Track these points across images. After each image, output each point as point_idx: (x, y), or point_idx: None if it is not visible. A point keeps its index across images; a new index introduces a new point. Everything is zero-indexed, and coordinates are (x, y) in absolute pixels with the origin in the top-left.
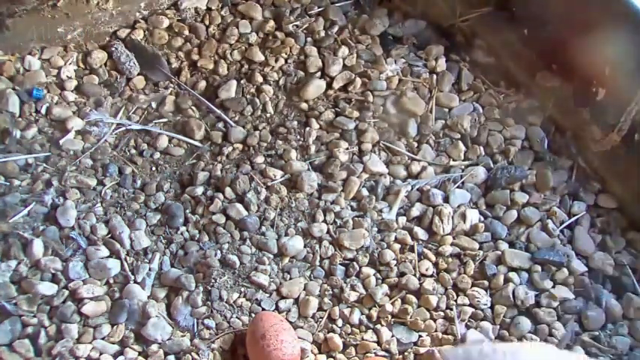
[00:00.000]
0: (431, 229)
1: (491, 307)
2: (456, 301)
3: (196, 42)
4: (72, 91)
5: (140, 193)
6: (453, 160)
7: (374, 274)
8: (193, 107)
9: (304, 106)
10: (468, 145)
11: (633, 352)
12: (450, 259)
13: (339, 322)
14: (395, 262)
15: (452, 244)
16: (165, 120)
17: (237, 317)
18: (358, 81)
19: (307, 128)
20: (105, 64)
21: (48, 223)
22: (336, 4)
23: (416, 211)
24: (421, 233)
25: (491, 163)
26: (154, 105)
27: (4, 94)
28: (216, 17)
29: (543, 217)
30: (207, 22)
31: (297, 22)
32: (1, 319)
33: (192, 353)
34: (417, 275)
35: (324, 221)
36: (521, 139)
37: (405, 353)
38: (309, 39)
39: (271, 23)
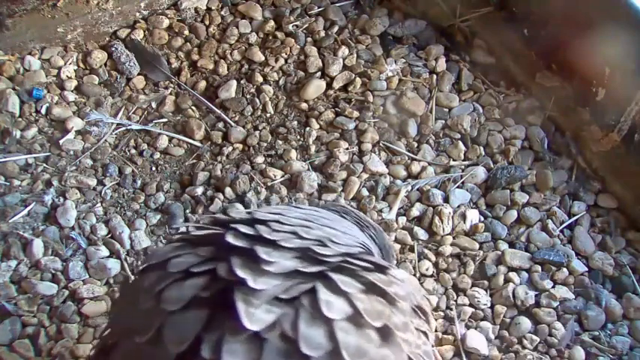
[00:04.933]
0: (431, 229)
1: (491, 307)
2: (456, 301)
3: (196, 42)
4: (72, 91)
5: (140, 193)
6: (453, 160)
7: None
8: (193, 107)
9: (304, 106)
10: (468, 145)
11: (633, 352)
12: (450, 259)
13: None
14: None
15: (452, 244)
16: (165, 120)
17: None
18: (358, 81)
19: (307, 128)
20: (105, 64)
21: (48, 223)
22: (336, 4)
23: (416, 211)
24: (421, 233)
25: (491, 163)
26: (154, 105)
27: (4, 94)
28: (216, 17)
29: (543, 217)
30: (207, 22)
31: (297, 22)
32: (1, 319)
33: None
34: (417, 275)
35: None
36: (521, 139)
37: None
38: (309, 39)
39: (271, 23)
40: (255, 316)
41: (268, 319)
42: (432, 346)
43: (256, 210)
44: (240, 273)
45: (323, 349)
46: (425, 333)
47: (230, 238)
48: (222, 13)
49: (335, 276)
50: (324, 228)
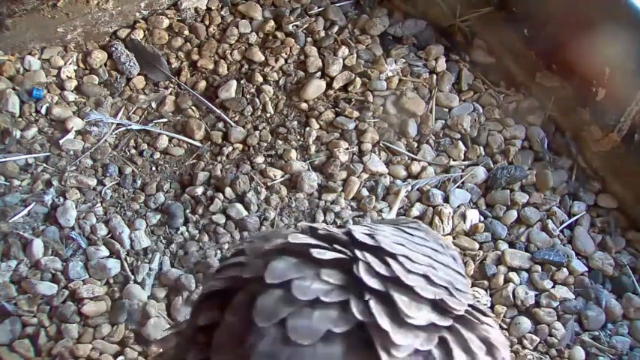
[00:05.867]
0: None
1: (492, 307)
2: None
3: (196, 42)
4: (72, 91)
5: (140, 193)
6: (453, 160)
7: None
8: (193, 107)
9: (304, 106)
10: (468, 145)
11: (633, 352)
12: None
13: None
14: None
15: (452, 244)
16: (165, 120)
17: None
18: (358, 81)
19: (307, 128)
20: (105, 64)
21: (48, 223)
22: (336, 4)
23: (416, 211)
24: None
25: (491, 163)
26: (154, 105)
27: (4, 94)
28: (216, 17)
29: (543, 217)
30: (207, 22)
31: (297, 22)
32: (1, 319)
33: None
34: None
35: (324, 221)
36: (521, 139)
37: None
38: (309, 39)
39: (271, 23)
40: None
41: None
42: None
43: (375, 230)
44: (382, 323)
45: None
46: None
47: (363, 275)
48: (222, 13)
49: (462, 329)
50: (446, 270)
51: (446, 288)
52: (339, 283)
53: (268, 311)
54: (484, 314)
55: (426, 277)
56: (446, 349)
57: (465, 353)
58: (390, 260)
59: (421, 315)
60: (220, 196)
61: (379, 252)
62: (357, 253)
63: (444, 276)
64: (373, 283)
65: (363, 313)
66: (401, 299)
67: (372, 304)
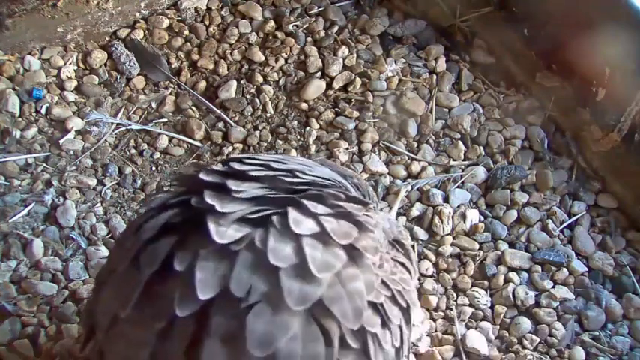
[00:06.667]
0: (431, 229)
1: (492, 307)
2: (456, 301)
3: (196, 42)
4: (72, 91)
5: (140, 193)
6: (453, 160)
7: None
8: (193, 107)
9: (304, 106)
10: (468, 145)
11: (633, 352)
12: (450, 259)
13: None
14: None
15: (452, 244)
16: (165, 120)
17: None
18: (358, 81)
19: (307, 128)
20: (105, 64)
21: (48, 223)
22: (336, 4)
23: (416, 211)
24: (421, 233)
25: (491, 163)
26: (154, 105)
27: (4, 94)
28: (216, 17)
29: (543, 217)
30: (207, 22)
31: (297, 22)
32: (1, 319)
33: None
34: (417, 275)
35: None
36: (521, 139)
37: None
38: (309, 39)
39: (271, 23)
40: (226, 233)
41: (237, 235)
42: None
43: None
44: (210, 200)
45: (290, 260)
46: (403, 264)
47: (203, 175)
48: (222, 13)
49: (306, 201)
50: (299, 165)
51: (290, 172)
52: (186, 190)
53: (133, 225)
54: (355, 198)
55: (265, 166)
56: (285, 217)
57: (302, 215)
58: (231, 162)
59: (248, 189)
60: None
61: (226, 161)
62: (207, 168)
63: (292, 166)
64: (210, 178)
65: (199, 202)
66: (230, 182)
67: (206, 191)
